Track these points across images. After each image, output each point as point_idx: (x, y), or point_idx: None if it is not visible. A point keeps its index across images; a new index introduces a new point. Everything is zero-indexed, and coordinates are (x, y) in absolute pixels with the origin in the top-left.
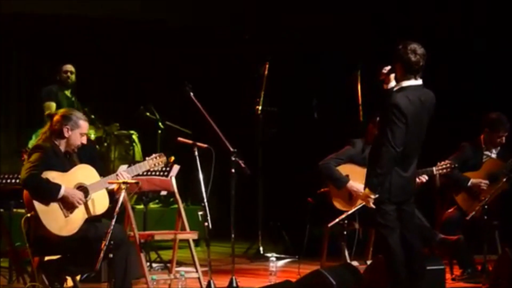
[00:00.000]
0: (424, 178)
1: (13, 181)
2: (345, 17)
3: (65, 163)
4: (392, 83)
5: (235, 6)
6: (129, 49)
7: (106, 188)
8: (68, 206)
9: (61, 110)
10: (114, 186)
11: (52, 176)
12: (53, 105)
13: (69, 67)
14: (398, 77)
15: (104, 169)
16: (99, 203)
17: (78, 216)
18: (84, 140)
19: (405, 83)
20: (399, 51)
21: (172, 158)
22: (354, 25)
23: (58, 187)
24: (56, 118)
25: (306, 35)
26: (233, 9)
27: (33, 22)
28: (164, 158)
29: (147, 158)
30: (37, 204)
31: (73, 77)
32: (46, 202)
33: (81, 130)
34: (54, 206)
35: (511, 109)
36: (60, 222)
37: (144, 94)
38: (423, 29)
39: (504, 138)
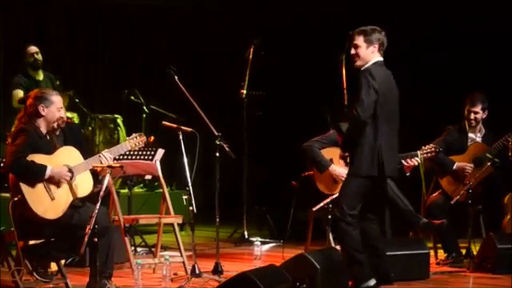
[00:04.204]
0: (414, 161)
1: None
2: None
3: (47, 145)
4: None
5: None
6: (115, 33)
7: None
8: (55, 184)
9: (32, 92)
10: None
11: (38, 159)
12: (20, 92)
13: (34, 49)
14: (370, 56)
15: (90, 152)
16: (83, 185)
17: (63, 199)
18: (62, 113)
19: (377, 59)
20: (374, 33)
21: (152, 137)
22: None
23: (44, 167)
24: (29, 101)
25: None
26: None
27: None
28: (144, 138)
29: (127, 138)
30: (23, 187)
31: (39, 57)
32: (33, 184)
33: (56, 105)
34: (40, 188)
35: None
36: (46, 204)
37: (128, 77)
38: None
39: (475, 116)
